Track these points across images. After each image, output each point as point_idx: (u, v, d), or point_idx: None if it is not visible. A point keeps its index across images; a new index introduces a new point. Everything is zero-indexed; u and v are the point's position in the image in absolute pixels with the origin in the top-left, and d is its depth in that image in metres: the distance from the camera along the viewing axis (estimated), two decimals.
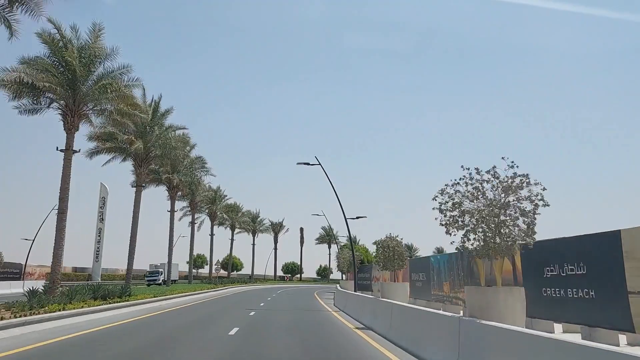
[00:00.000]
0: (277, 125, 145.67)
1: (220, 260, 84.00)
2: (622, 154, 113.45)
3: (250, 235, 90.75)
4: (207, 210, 66.72)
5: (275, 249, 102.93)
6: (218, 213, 67.86)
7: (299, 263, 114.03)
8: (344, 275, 55.37)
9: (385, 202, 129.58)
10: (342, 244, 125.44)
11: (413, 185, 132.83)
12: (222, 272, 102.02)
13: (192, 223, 57.71)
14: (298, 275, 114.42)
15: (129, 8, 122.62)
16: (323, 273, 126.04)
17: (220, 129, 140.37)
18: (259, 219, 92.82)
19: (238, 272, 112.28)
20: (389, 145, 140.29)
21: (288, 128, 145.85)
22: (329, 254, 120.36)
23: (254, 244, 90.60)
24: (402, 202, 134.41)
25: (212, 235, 66.83)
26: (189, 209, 58.44)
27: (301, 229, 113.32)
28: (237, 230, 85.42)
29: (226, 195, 70.04)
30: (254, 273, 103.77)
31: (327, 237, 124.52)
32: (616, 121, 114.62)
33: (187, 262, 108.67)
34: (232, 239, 78.47)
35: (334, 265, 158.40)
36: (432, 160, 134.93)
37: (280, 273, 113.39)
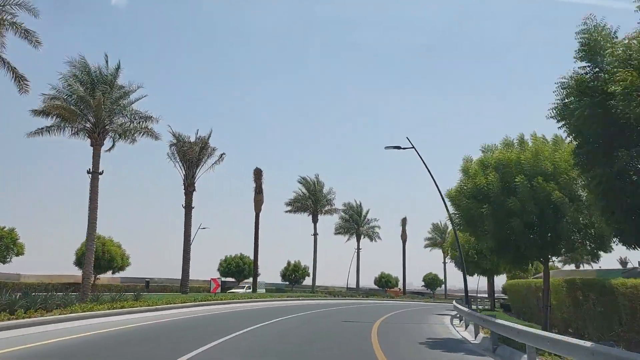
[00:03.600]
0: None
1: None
2: None
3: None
4: None
5: (187, 205, 38.34)
6: None
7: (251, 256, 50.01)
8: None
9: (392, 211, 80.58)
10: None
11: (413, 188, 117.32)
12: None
13: None
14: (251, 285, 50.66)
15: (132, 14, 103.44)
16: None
17: (222, 133, 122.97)
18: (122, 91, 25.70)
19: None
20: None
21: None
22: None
23: (92, 173, 24.71)
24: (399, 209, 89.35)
25: None
26: None
27: (257, 172, 49.86)
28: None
29: None
30: (189, 279, 39.24)
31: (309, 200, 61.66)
32: None
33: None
34: None
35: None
36: (435, 162, 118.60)
37: (215, 274, 49.03)
